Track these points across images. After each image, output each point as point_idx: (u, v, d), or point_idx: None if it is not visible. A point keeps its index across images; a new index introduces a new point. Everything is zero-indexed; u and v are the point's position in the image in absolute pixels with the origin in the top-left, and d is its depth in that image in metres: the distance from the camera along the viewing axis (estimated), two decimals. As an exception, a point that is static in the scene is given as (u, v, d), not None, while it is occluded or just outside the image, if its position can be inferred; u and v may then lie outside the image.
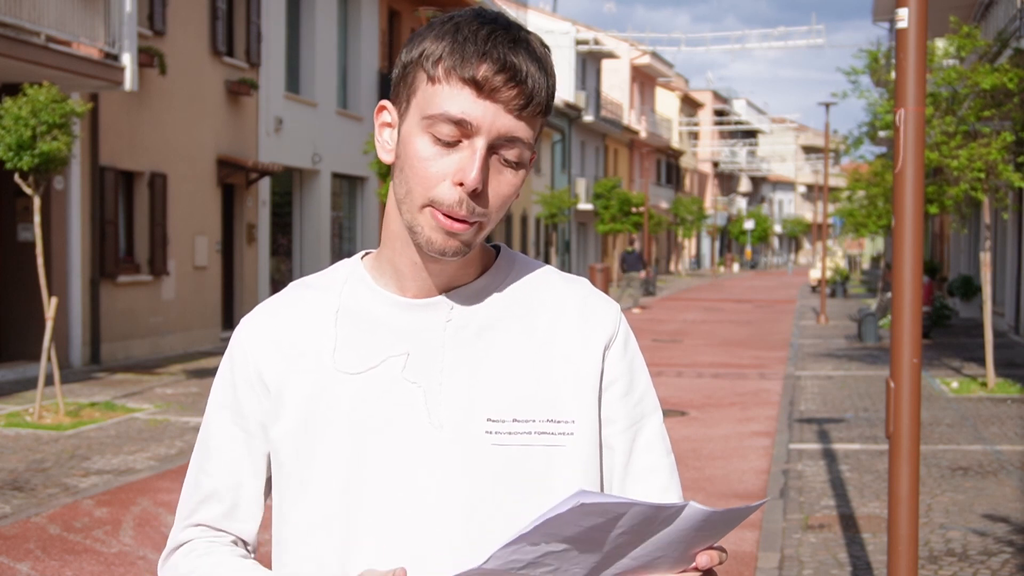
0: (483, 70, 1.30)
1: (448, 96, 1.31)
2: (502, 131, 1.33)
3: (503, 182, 1.36)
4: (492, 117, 1.32)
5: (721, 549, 1.30)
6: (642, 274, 29.94)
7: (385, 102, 1.43)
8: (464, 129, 1.32)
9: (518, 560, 1.19)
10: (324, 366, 1.42)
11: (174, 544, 1.49)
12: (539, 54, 1.35)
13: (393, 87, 1.41)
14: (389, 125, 1.42)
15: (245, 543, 1.51)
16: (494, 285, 1.46)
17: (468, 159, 1.32)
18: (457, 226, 1.34)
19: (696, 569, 1.27)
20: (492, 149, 1.34)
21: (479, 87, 1.31)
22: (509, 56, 1.31)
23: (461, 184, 1.32)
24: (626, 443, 1.46)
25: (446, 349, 1.41)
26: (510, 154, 1.35)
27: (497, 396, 1.39)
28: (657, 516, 1.19)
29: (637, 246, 31.79)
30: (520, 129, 1.34)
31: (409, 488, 1.37)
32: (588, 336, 1.45)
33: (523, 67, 1.32)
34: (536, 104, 1.34)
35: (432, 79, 1.33)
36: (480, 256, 1.46)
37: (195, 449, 1.52)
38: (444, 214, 1.33)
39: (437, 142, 1.33)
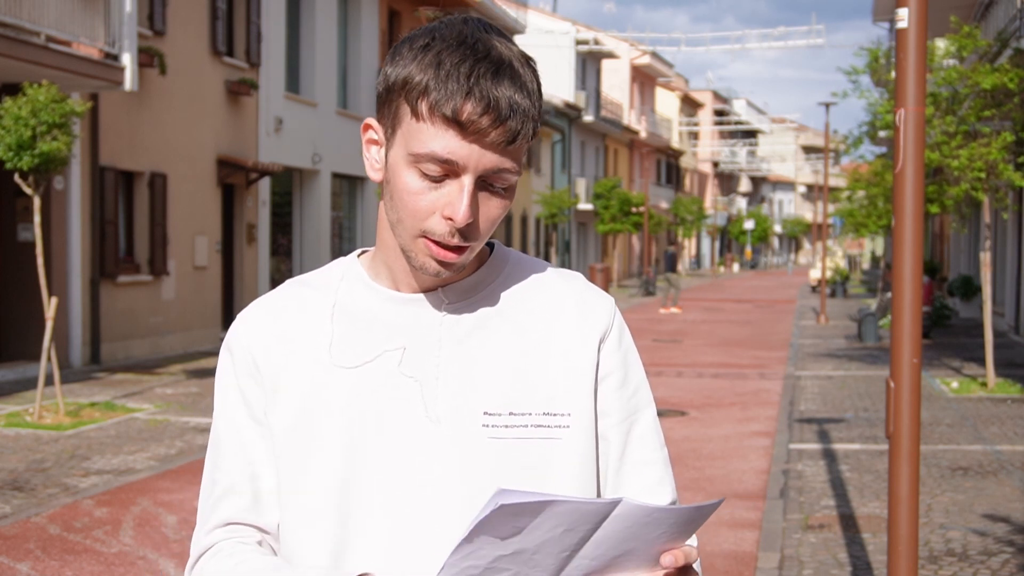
0: (467, 111, 1.29)
1: (433, 136, 1.31)
2: (489, 167, 1.33)
3: (492, 207, 1.37)
4: (478, 156, 1.32)
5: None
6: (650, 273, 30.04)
7: (370, 120, 1.42)
8: (451, 167, 1.32)
9: (473, 566, 1.19)
10: (320, 361, 1.43)
11: (199, 550, 1.47)
12: (523, 78, 1.34)
13: (378, 104, 1.40)
14: (376, 143, 1.42)
15: (269, 538, 1.47)
16: (489, 280, 1.47)
17: (456, 195, 1.33)
18: (450, 256, 1.36)
19: (664, 568, 1.26)
20: (480, 180, 1.34)
21: (463, 128, 1.30)
22: (492, 92, 1.30)
23: (450, 219, 1.33)
24: (621, 436, 1.47)
25: (442, 343, 1.42)
26: (498, 184, 1.36)
27: (493, 390, 1.40)
28: (592, 511, 1.19)
29: (673, 248, 31.89)
30: (507, 162, 1.34)
31: (406, 482, 1.38)
32: (583, 329, 1.46)
33: (506, 103, 1.30)
34: (522, 137, 1.34)
35: (416, 115, 1.32)
36: None
37: (208, 449, 1.51)
38: (436, 243, 1.35)
39: (424, 177, 1.33)
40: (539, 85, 1.37)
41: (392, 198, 1.37)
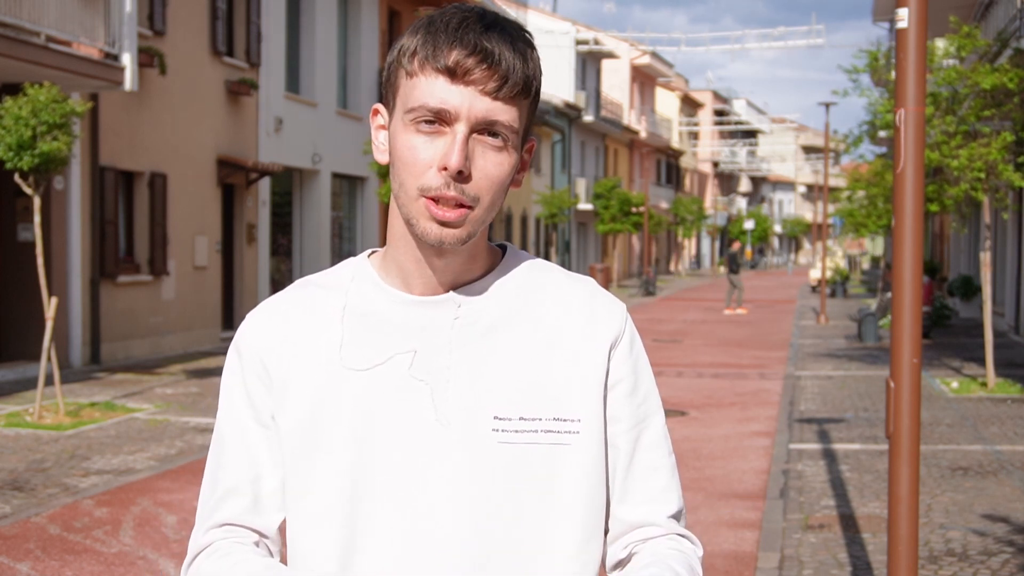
0: (454, 55, 1.32)
1: (425, 87, 1.34)
2: (480, 115, 1.34)
3: (490, 162, 1.36)
4: (469, 102, 1.33)
5: None
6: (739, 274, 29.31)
7: (378, 105, 1.45)
8: (444, 117, 1.34)
9: None
10: (331, 363, 1.42)
11: (196, 548, 1.46)
12: (514, 37, 1.36)
13: (382, 90, 1.43)
14: (383, 127, 1.44)
15: (267, 541, 1.48)
16: (501, 283, 1.46)
17: (450, 144, 1.34)
18: (449, 215, 1.35)
19: None
20: (476, 134, 1.35)
21: (452, 73, 1.33)
22: (481, 40, 1.33)
23: (446, 169, 1.33)
24: (630, 442, 1.47)
25: (453, 347, 1.41)
26: (493, 136, 1.36)
27: (504, 394, 1.40)
28: None
29: (735, 247, 31.31)
30: (499, 111, 1.35)
31: (415, 485, 1.38)
32: (594, 335, 1.46)
33: (495, 49, 1.33)
34: (512, 85, 1.35)
35: (409, 73, 1.36)
36: (486, 254, 1.47)
37: (210, 449, 1.51)
38: (435, 201, 1.35)
39: (421, 133, 1.35)
40: (535, 53, 1.39)
41: (395, 165, 1.39)
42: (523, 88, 1.36)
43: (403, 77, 1.37)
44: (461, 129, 1.33)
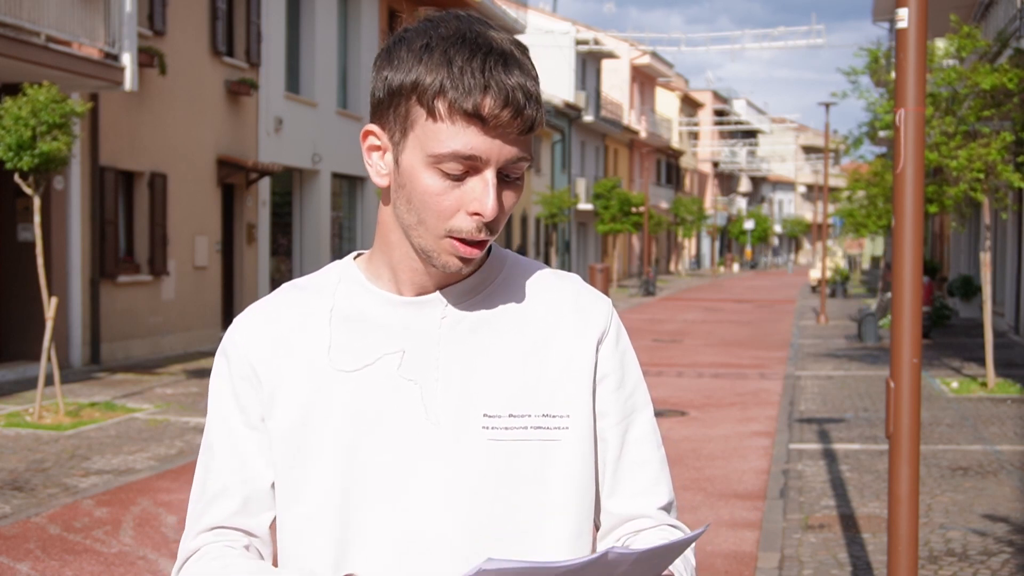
0: (487, 105, 1.30)
1: (454, 134, 1.31)
2: (508, 157, 1.34)
3: (508, 197, 1.38)
4: (499, 149, 1.33)
5: None
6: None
7: (372, 127, 1.40)
8: (473, 163, 1.33)
9: None
10: (319, 365, 1.42)
11: (187, 553, 1.47)
12: (526, 66, 1.35)
13: (379, 108, 1.38)
14: (378, 149, 1.41)
15: (257, 542, 1.48)
16: (487, 282, 1.47)
17: (482, 191, 1.33)
18: (474, 251, 1.37)
19: None
20: (498, 172, 1.35)
21: (485, 122, 1.31)
22: (507, 83, 1.31)
23: (477, 214, 1.34)
24: (618, 436, 1.48)
25: (441, 346, 1.42)
26: (515, 172, 1.37)
27: (493, 391, 1.41)
28: (581, 569, 1.18)
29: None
30: (523, 150, 1.36)
31: (406, 484, 1.38)
32: (581, 331, 1.46)
33: (522, 93, 1.32)
34: (538, 124, 1.36)
35: (433, 115, 1.32)
36: None
37: (200, 452, 1.51)
38: (461, 241, 1.36)
39: (446, 176, 1.34)
40: (536, 70, 1.39)
41: (411, 202, 1.37)
42: (543, 119, 1.38)
43: (422, 116, 1.33)
44: (491, 175, 1.33)
